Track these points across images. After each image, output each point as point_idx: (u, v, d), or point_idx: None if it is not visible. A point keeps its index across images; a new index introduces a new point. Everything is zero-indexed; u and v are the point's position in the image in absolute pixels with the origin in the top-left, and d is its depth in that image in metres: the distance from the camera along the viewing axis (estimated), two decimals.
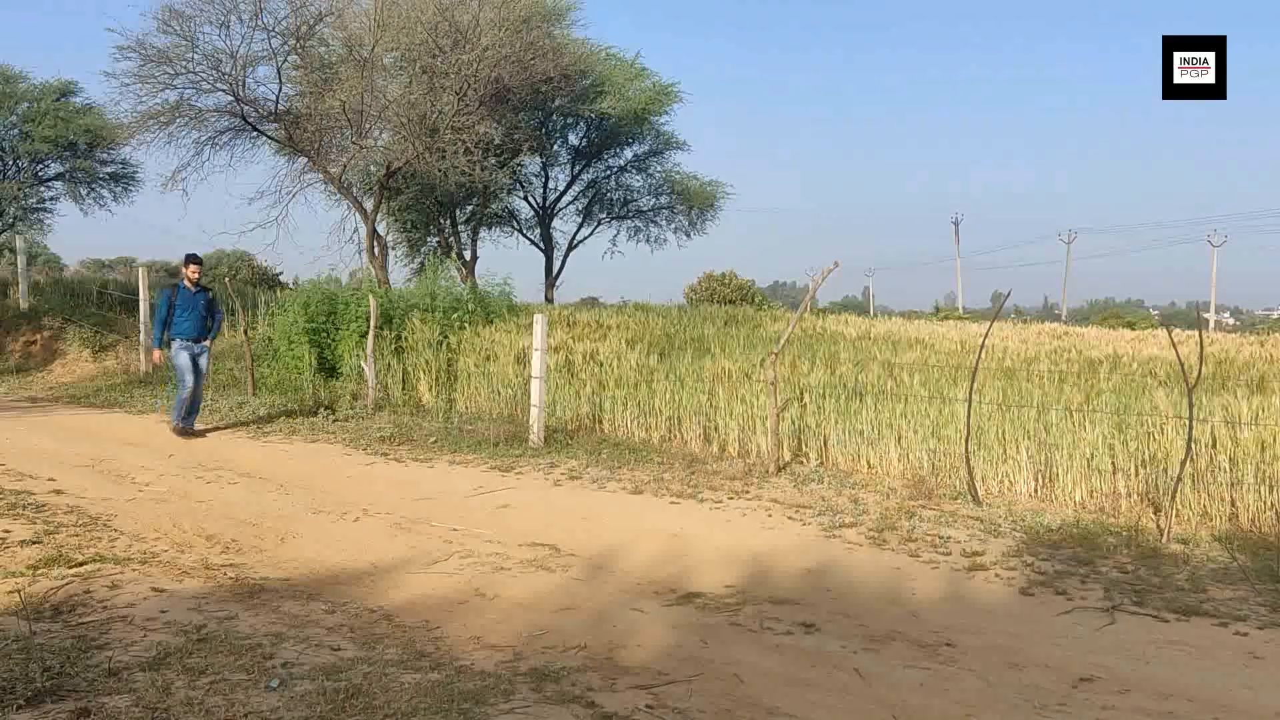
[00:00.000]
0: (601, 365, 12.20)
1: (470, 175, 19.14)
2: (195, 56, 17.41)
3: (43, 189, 25.93)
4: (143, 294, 16.06)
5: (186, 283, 10.87)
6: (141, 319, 15.94)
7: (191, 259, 10.96)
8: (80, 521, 6.81)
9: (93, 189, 25.77)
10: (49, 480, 8.15)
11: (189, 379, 10.59)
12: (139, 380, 15.04)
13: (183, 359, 10.64)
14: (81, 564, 5.71)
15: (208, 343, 11.00)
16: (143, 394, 13.84)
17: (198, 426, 10.97)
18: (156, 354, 11.17)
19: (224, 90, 18.04)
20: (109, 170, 25.72)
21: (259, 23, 17.35)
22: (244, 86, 18.13)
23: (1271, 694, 4.22)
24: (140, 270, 17.07)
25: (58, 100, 24.01)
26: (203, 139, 19.19)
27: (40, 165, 25.13)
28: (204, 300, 10.95)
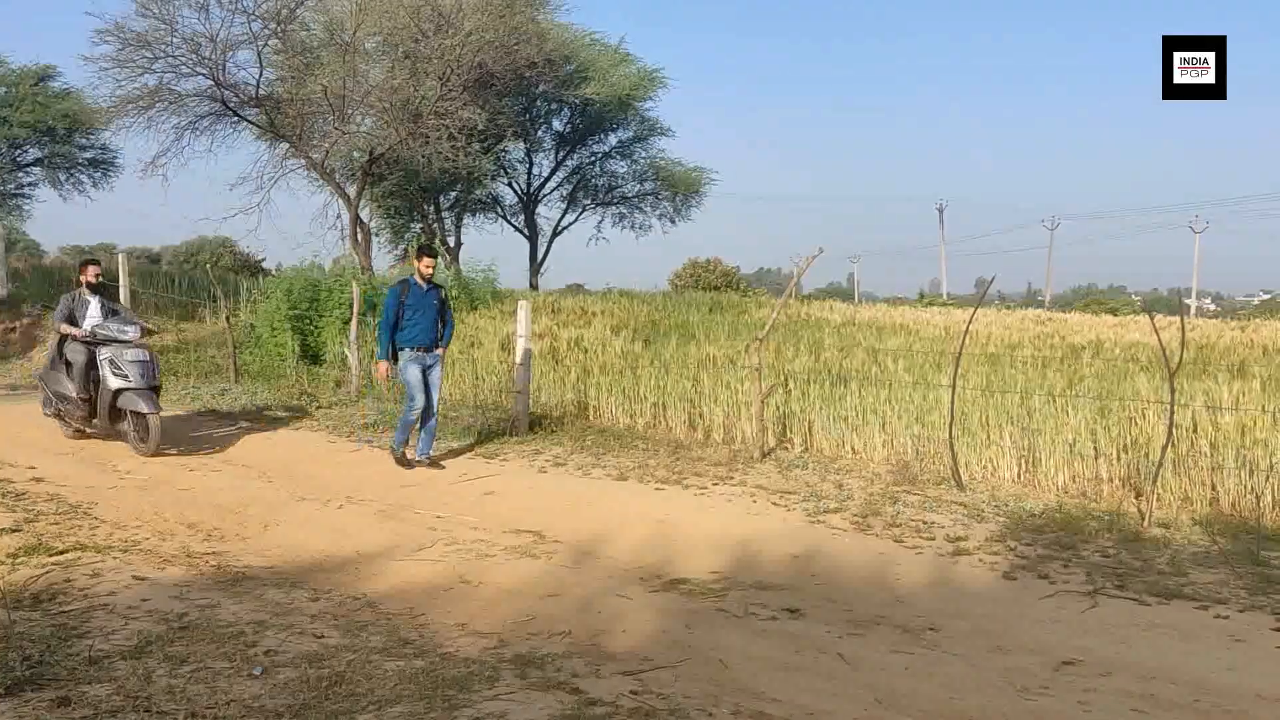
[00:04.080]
0: (586, 352, 12.19)
1: (454, 161, 19.05)
2: (175, 40, 17.26)
3: (21, 174, 25.70)
4: (123, 280, 15.86)
5: (418, 278, 8.74)
6: (123, 306, 15.76)
7: (425, 251, 8.97)
8: (61, 509, 6.75)
9: (72, 174, 25.56)
10: (29, 468, 8.07)
11: (420, 398, 8.58)
12: None
13: (413, 373, 8.57)
14: (62, 552, 5.66)
15: (441, 351, 8.92)
16: None
17: (434, 453, 8.91)
18: (383, 367, 8.72)
19: (204, 74, 17.89)
20: (88, 156, 25.52)
21: (239, 6, 17.19)
22: (224, 71, 17.98)
23: (1252, 676, 4.26)
24: (120, 256, 16.85)
25: (36, 85, 23.76)
26: (183, 124, 19.04)
27: (18, 150, 24.88)
28: (437, 299, 8.83)
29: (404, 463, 8.59)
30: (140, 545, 5.99)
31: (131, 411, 8.67)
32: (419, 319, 8.63)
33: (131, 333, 8.85)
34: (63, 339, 9.14)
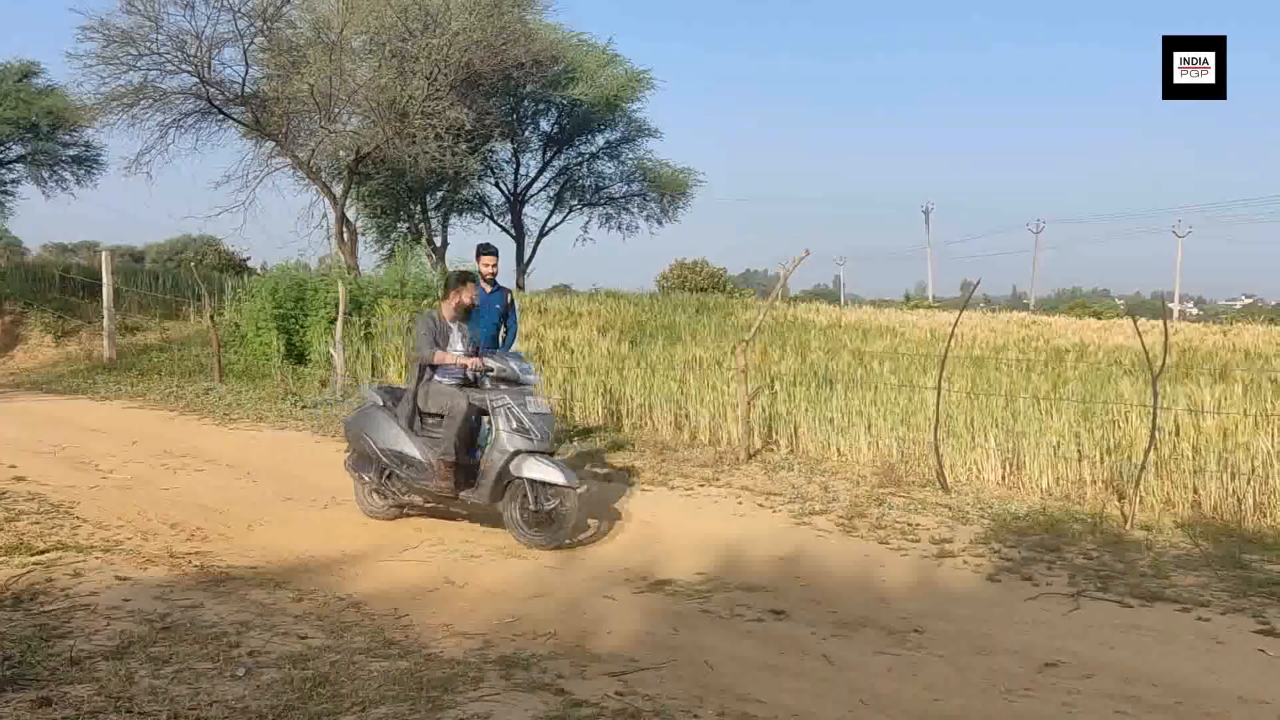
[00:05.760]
0: (572, 352, 12.18)
1: (440, 161, 19.01)
2: (159, 37, 17.20)
3: (3, 171, 25.50)
4: (106, 279, 15.80)
5: (480, 280, 7.92)
6: (105, 304, 15.67)
7: (485, 250, 8.23)
8: (42, 509, 6.70)
9: (55, 172, 25.37)
10: (10, 467, 8.01)
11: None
12: (102, 366, 14.84)
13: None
14: (43, 552, 5.62)
15: None
16: (106, 380, 13.65)
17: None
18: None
19: (189, 72, 17.82)
20: (71, 153, 25.34)
21: (224, 3, 17.12)
22: (209, 68, 17.91)
23: (1233, 678, 4.29)
24: (103, 255, 16.78)
25: (19, 82, 23.58)
26: (167, 122, 18.96)
27: (1, 147, 24.68)
28: (500, 303, 8.28)
29: None
30: (123, 545, 5.96)
31: (535, 483, 6.23)
32: (478, 324, 7.80)
33: (533, 376, 6.61)
34: (420, 376, 6.79)
